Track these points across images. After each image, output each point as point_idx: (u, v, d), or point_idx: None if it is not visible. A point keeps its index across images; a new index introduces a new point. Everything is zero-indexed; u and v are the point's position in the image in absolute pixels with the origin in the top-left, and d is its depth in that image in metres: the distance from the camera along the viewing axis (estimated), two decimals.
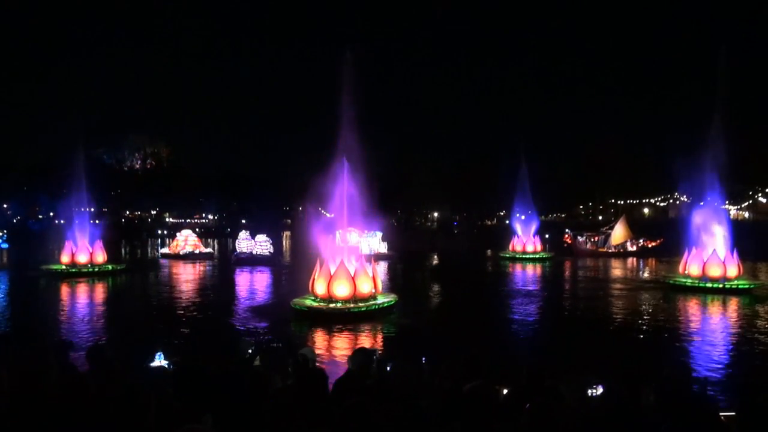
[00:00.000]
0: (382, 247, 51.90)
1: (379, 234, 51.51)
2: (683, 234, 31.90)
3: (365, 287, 22.32)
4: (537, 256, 51.04)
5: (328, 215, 26.78)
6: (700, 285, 28.89)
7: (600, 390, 5.15)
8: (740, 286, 28.45)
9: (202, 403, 4.79)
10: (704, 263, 29.63)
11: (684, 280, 30.04)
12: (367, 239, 47.62)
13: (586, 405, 4.98)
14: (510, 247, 53.29)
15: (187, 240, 51.94)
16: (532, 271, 42.89)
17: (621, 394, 4.45)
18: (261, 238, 45.95)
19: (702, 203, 32.81)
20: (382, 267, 37.87)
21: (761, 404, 3.97)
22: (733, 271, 29.28)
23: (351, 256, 23.40)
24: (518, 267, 44.86)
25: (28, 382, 4.65)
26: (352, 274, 22.22)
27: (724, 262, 29.32)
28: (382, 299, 22.80)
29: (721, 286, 28.48)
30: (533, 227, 54.36)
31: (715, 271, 29.20)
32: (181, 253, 50.22)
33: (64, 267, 35.68)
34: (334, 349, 17.13)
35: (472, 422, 4.03)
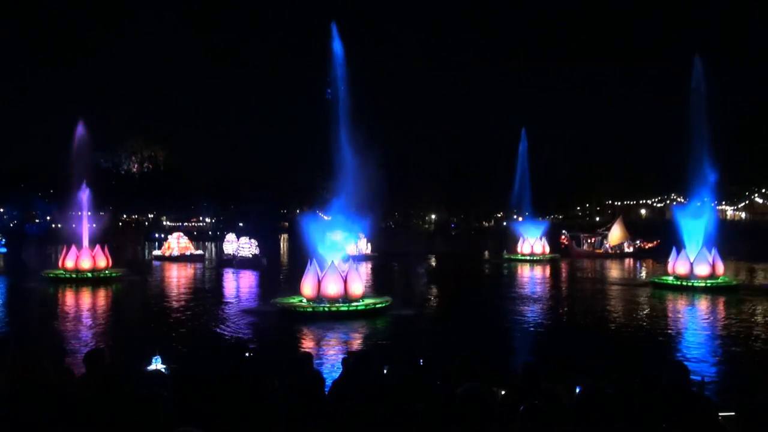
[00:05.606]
0: (367, 248, 51.68)
1: (362, 235, 51.14)
2: (677, 234, 32.17)
3: (331, 289, 22.02)
4: (542, 257, 50.88)
5: (325, 218, 26.69)
6: (672, 282, 29.68)
7: (578, 390, 5.11)
8: (695, 284, 28.81)
9: (200, 408, 4.80)
10: (674, 262, 30.31)
11: (660, 278, 30.98)
12: (350, 240, 47.14)
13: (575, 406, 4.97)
14: (515, 249, 52.45)
15: (178, 242, 52.09)
16: (532, 272, 42.93)
17: (600, 394, 4.40)
18: (244, 240, 46.21)
19: (699, 204, 32.95)
20: (364, 268, 37.75)
21: (759, 405, 3.98)
22: (703, 270, 29.43)
23: (332, 258, 22.89)
24: (520, 269, 44.89)
25: (25, 385, 4.65)
26: (319, 276, 22.12)
27: (691, 262, 29.68)
28: (369, 301, 22.62)
29: (679, 283, 29.19)
30: (541, 229, 53.25)
31: (681, 270, 29.76)
32: (172, 255, 50.38)
33: (61, 272, 35.38)
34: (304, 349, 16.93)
35: (468, 425, 4.04)
